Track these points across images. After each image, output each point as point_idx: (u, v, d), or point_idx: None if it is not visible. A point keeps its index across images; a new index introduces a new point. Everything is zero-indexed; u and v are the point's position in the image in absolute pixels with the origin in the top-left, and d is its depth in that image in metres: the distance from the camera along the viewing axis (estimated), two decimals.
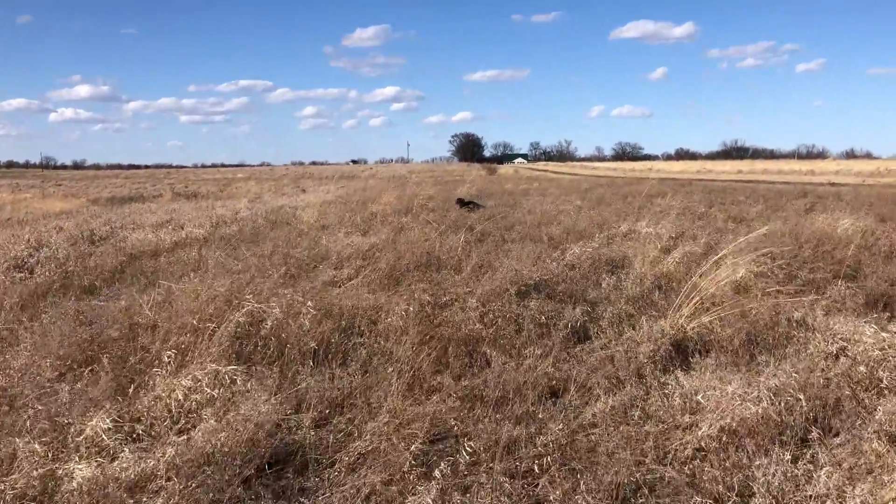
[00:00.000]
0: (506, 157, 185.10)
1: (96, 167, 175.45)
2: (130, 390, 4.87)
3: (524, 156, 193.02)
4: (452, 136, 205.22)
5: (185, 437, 4.21)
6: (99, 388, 4.78)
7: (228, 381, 4.80)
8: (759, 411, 4.32)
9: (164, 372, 5.11)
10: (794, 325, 6.35)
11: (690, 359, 5.87)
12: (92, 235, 15.65)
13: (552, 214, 17.66)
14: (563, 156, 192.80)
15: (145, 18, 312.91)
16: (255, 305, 5.89)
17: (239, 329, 5.81)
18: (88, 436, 4.10)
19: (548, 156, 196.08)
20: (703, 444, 4.20)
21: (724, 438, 4.19)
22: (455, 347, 5.92)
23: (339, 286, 8.97)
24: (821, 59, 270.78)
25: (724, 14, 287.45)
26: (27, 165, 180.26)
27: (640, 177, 49.99)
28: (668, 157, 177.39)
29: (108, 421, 4.18)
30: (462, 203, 20.71)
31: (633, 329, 6.64)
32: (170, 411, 4.55)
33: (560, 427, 4.50)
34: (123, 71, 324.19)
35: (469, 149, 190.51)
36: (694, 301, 6.52)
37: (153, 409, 4.56)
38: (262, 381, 5.14)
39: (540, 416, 4.77)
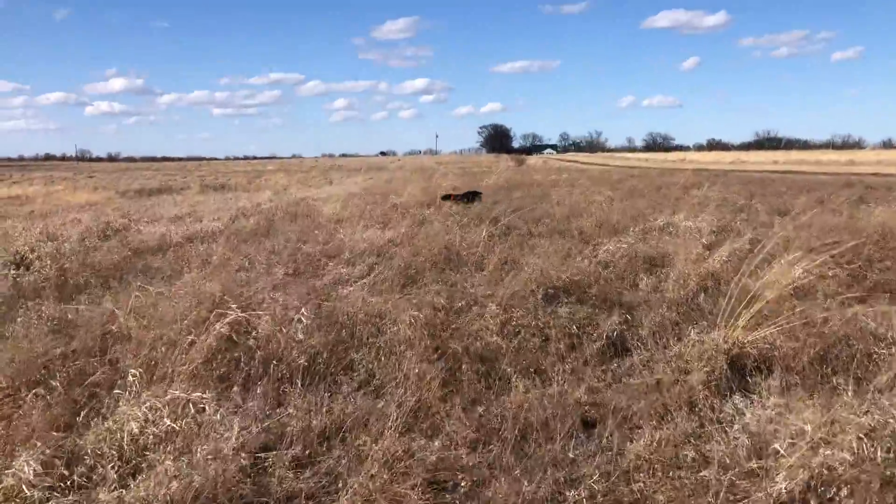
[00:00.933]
0: (535, 147, 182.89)
1: (130, 159, 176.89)
2: (80, 418, 4.09)
3: (553, 146, 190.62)
4: (481, 128, 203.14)
5: (131, 484, 3.41)
6: (37, 418, 3.99)
7: (194, 412, 3.98)
8: (852, 460, 3.38)
9: (127, 394, 4.33)
10: (873, 338, 5.38)
11: (749, 379, 4.96)
12: (107, 228, 15.08)
13: (582, 206, 16.67)
14: (592, 146, 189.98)
15: (178, 12, 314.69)
16: (239, 314, 5.06)
17: (221, 342, 5.00)
18: (9, 485, 3.30)
19: (577, 147, 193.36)
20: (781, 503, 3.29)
21: (809, 499, 3.27)
22: (470, 364, 5.05)
23: (350, 284, 8.18)
24: (858, 46, 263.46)
25: (759, 2, 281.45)
26: (63, 158, 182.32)
27: (673, 167, 48.58)
28: (700, 148, 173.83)
29: (33, 464, 3.38)
30: (449, 198, 16.82)
31: (679, 340, 5.73)
32: (120, 449, 3.75)
33: (596, 473, 3.62)
34: (157, 64, 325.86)
35: (497, 140, 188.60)
36: (751, 308, 5.58)
37: (100, 446, 3.76)
38: (240, 407, 4.34)
39: (570, 455, 3.90)
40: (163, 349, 4.88)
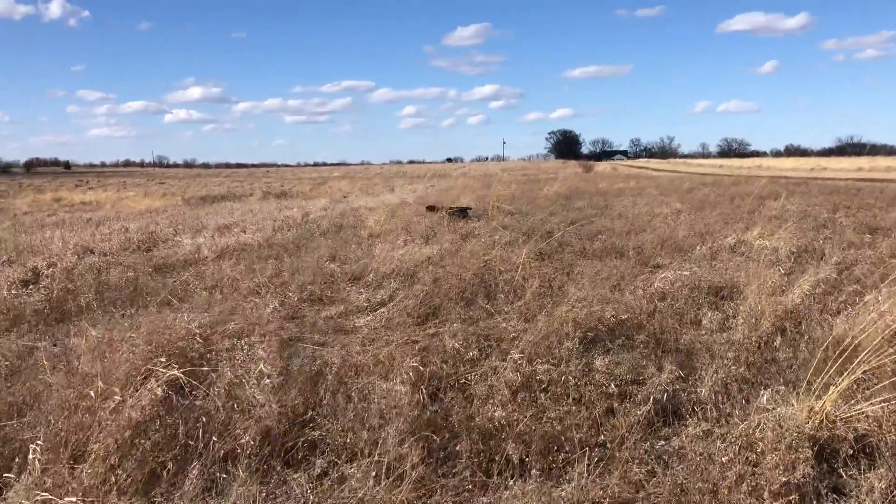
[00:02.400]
0: (604, 154, 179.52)
1: (205, 166, 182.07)
2: None
3: (624, 152, 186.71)
4: (549, 134, 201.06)
5: None
6: None
7: None
8: None
9: (23, 481, 3.38)
10: None
11: (843, 473, 3.67)
12: (148, 239, 14.51)
13: (645, 220, 15.29)
14: (665, 152, 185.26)
15: (254, 22, 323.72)
16: (171, 373, 4.02)
17: (156, 406, 3.99)
18: None
19: (649, 152, 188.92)
20: None
21: None
22: (470, 444, 3.90)
23: (367, 314, 7.17)
24: None
25: (842, 3, 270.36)
26: (142, 164, 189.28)
27: (749, 175, 46.10)
28: (778, 154, 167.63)
29: None
30: (433, 209, 16.42)
31: (748, 403, 4.48)
32: None
33: None
34: (233, 73, 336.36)
35: (566, 146, 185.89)
36: (846, 369, 4.26)
37: None
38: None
39: None
40: (81, 414, 3.90)
